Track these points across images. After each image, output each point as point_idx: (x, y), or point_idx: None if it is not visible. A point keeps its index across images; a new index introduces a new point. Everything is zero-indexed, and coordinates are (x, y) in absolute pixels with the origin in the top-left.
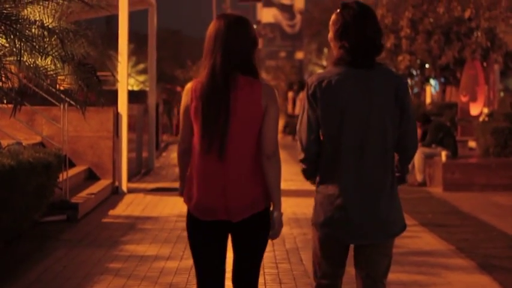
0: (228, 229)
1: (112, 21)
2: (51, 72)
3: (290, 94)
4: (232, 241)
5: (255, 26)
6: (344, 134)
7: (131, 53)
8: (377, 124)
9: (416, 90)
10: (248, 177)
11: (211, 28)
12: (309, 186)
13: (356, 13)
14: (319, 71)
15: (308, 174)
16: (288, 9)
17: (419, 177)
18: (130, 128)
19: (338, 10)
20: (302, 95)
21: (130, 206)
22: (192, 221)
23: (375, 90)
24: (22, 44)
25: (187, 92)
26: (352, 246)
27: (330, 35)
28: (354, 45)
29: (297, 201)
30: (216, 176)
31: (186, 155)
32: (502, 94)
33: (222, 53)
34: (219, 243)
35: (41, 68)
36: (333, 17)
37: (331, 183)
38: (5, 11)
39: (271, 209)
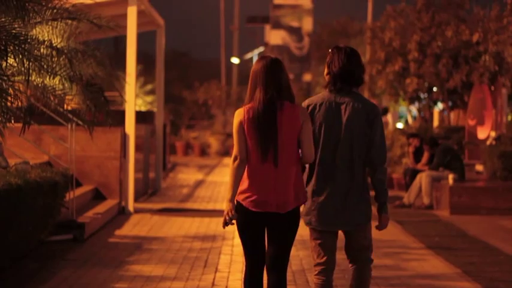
0: (269, 220)
1: (120, 42)
2: (59, 92)
3: None
4: (270, 231)
5: (263, 48)
6: (321, 147)
7: (139, 74)
8: (346, 140)
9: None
10: (291, 178)
11: (257, 66)
12: None
13: (344, 51)
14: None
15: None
16: (296, 32)
17: (426, 201)
18: (138, 148)
19: (330, 50)
20: None
21: (136, 226)
22: (244, 213)
23: (347, 112)
24: (30, 64)
25: (240, 115)
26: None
27: (326, 71)
28: (336, 73)
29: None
30: (270, 178)
31: (242, 166)
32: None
33: (269, 85)
34: (262, 229)
35: (49, 88)
36: (328, 57)
37: (313, 186)
38: (13, 31)
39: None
